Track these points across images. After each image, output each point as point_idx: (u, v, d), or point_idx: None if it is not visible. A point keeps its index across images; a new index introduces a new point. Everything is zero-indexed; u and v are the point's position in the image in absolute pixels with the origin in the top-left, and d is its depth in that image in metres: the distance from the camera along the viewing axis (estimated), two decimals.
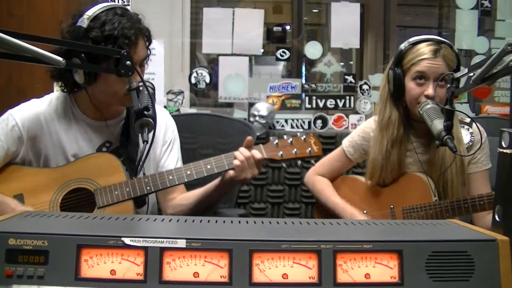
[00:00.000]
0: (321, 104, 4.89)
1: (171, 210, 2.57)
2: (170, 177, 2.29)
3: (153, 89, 2.25)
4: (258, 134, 4.22)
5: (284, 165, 2.49)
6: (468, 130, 2.66)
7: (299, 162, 2.46)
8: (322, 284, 1.22)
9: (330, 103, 4.89)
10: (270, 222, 1.47)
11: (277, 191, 4.71)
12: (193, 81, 4.78)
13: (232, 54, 4.81)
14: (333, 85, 4.99)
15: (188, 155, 2.75)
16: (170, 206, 2.58)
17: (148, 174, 2.29)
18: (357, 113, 4.89)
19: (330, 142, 4.55)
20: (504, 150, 1.42)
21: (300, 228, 1.43)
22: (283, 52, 4.94)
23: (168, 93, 4.73)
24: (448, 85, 2.08)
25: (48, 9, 4.50)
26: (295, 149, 2.38)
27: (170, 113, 2.72)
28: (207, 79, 4.80)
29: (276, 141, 2.39)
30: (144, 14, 2.38)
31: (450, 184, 2.57)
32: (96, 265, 1.22)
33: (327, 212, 2.94)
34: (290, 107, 4.88)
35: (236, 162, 2.30)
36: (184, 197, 2.57)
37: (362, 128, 2.89)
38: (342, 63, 5.43)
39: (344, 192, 2.88)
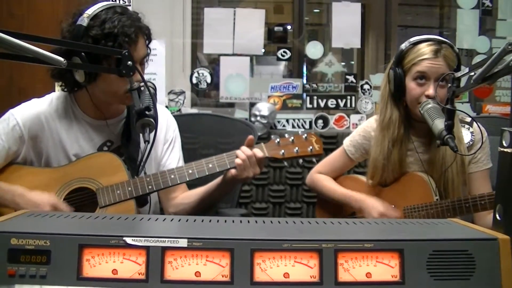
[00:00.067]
0: (322, 104, 4.89)
1: (173, 209, 2.58)
2: (172, 176, 2.30)
3: (154, 89, 2.25)
4: (259, 134, 4.22)
5: (285, 163, 2.49)
6: (469, 129, 2.66)
7: (301, 161, 2.46)
8: (323, 283, 1.22)
9: (331, 103, 4.89)
10: (271, 222, 1.48)
11: (278, 191, 4.71)
12: (194, 81, 4.78)
13: (233, 54, 4.80)
14: (334, 85, 4.98)
15: (189, 155, 2.75)
16: (172, 205, 2.58)
17: (149, 173, 2.30)
18: (358, 113, 4.89)
19: (331, 142, 4.55)
20: (505, 149, 1.43)
21: (301, 228, 1.43)
22: (284, 52, 4.93)
23: (169, 93, 4.73)
24: (449, 85, 2.08)
25: (48, 9, 4.50)
26: (297, 148, 2.38)
27: (171, 113, 2.72)
28: (208, 79, 4.80)
29: (278, 139, 2.39)
30: (145, 14, 2.39)
31: (451, 183, 2.57)
32: (98, 264, 1.22)
33: (329, 212, 2.95)
34: (291, 107, 4.87)
35: (238, 160, 2.31)
36: (186, 196, 2.58)
37: (363, 127, 2.89)
38: (343, 63, 5.43)
39: None
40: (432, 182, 2.56)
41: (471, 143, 2.64)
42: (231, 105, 4.94)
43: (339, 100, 4.89)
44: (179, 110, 4.70)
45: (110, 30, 2.19)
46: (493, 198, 2.28)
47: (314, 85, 4.95)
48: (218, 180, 2.45)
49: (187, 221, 1.47)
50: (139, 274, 1.21)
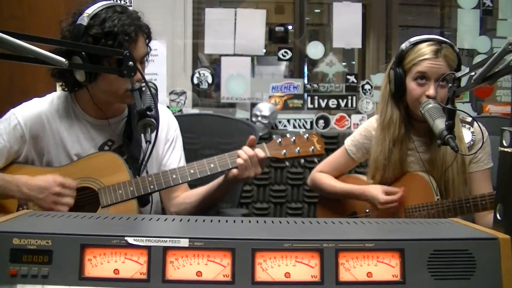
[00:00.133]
0: (323, 104, 4.89)
1: (174, 208, 2.58)
2: (174, 176, 2.30)
3: (156, 89, 2.25)
4: (260, 134, 4.22)
5: (287, 163, 2.50)
6: (470, 129, 2.66)
7: (302, 161, 2.46)
8: (324, 283, 1.23)
9: (332, 103, 4.89)
10: (272, 222, 1.48)
11: (279, 191, 4.71)
12: (195, 81, 4.79)
13: (234, 55, 4.80)
14: (335, 85, 4.99)
15: (190, 155, 2.75)
16: (173, 205, 2.59)
17: (151, 173, 2.30)
18: (359, 113, 4.89)
19: (332, 142, 4.56)
20: (505, 149, 1.43)
21: (302, 227, 1.43)
22: (285, 52, 4.93)
23: (170, 93, 4.73)
24: (450, 85, 2.09)
25: (49, 10, 4.51)
26: (298, 148, 2.38)
27: (172, 114, 2.72)
28: (210, 80, 4.80)
29: (279, 140, 2.39)
30: (146, 15, 2.39)
31: (451, 183, 2.57)
32: (99, 264, 1.22)
33: (329, 212, 2.95)
34: (292, 107, 4.88)
35: (240, 160, 2.31)
36: (187, 196, 2.58)
37: (364, 127, 2.90)
38: (344, 63, 5.43)
39: None
40: (433, 181, 2.57)
41: (471, 143, 2.64)
42: (232, 105, 4.94)
43: (340, 100, 4.90)
44: (180, 110, 4.70)
45: (110, 29, 2.20)
46: (493, 198, 2.28)
47: (315, 85, 4.95)
48: (219, 180, 2.46)
49: (188, 221, 1.48)
50: (141, 274, 1.22)
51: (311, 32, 5.83)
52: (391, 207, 2.61)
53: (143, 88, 2.17)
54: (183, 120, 2.83)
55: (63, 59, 1.74)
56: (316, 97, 4.89)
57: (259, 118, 4.62)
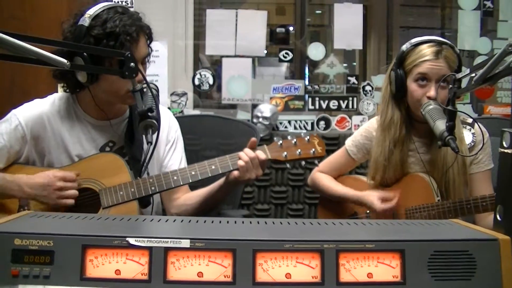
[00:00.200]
0: (324, 105, 4.89)
1: (175, 210, 2.58)
2: (175, 178, 2.30)
3: (157, 90, 2.26)
4: (261, 135, 4.23)
5: (288, 165, 2.50)
6: (470, 130, 2.66)
7: (303, 162, 2.47)
8: (325, 284, 1.23)
9: (333, 104, 4.89)
10: (273, 222, 1.48)
11: (280, 192, 4.71)
12: (196, 82, 4.79)
13: (235, 56, 4.80)
14: (336, 86, 4.99)
15: (191, 156, 2.75)
16: (174, 206, 2.59)
17: (152, 175, 2.31)
18: (360, 114, 4.89)
19: (333, 143, 4.56)
20: (505, 150, 1.43)
21: (303, 228, 1.44)
22: (286, 53, 4.93)
23: (171, 94, 4.73)
24: (450, 86, 2.09)
25: (51, 11, 4.50)
26: (299, 150, 2.39)
27: (173, 115, 2.73)
28: (211, 81, 4.80)
29: (280, 141, 2.40)
30: (147, 16, 2.40)
31: (452, 184, 2.57)
32: (101, 265, 1.23)
33: (330, 213, 2.95)
34: (293, 108, 4.88)
35: (241, 162, 2.32)
36: (188, 197, 2.58)
37: (364, 127, 2.90)
38: (345, 64, 5.43)
39: None
40: (433, 183, 2.57)
41: (472, 144, 2.65)
42: (233, 106, 4.94)
43: (341, 102, 4.90)
44: (181, 111, 4.70)
45: (112, 29, 2.21)
46: (494, 199, 2.28)
47: (316, 87, 4.95)
48: (220, 181, 2.46)
49: (189, 221, 1.48)
50: (142, 275, 1.22)
51: (312, 33, 5.82)
52: (388, 213, 2.62)
53: (145, 89, 2.18)
54: (184, 121, 2.84)
55: (64, 60, 1.74)
56: (317, 98, 4.89)
57: (260, 119, 4.63)
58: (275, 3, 5.95)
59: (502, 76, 1.71)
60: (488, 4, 4.94)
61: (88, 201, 2.30)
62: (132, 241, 1.23)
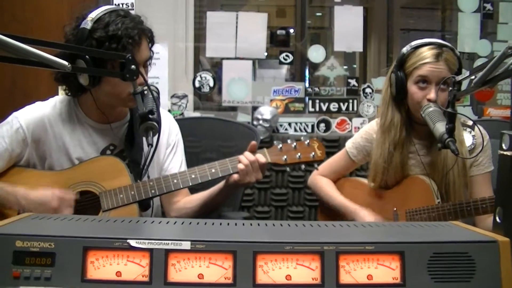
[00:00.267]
0: (324, 108, 4.89)
1: (175, 213, 2.59)
2: (175, 181, 2.31)
3: (158, 93, 2.26)
4: (261, 137, 4.22)
5: (287, 169, 2.50)
6: (471, 133, 2.67)
7: (303, 166, 2.47)
8: (325, 285, 1.24)
9: (333, 106, 4.89)
10: (273, 224, 1.49)
11: (280, 195, 4.71)
12: (197, 85, 4.79)
13: (236, 58, 4.80)
14: (336, 89, 4.98)
15: (191, 158, 2.76)
16: (174, 209, 2.59)
17: (152, 178, 2.31)
18: (360, 116, 4.89)
19: (333, 145, 4.56)
20: (505, 152, 1.44)
21: (303, 230, 1.44)
22: (286, 55, 4.93)
23: (172, 97, 4.73)
24: (450, 88, 2.10)
25: (52, 13, 4.51)
26: (299, 154, 2.39)
27: (174, 117, 2.73)
28: (211, 83, 4.80)
29: (280, 145, 2.40)
30: (148, 18, 2.40)
31: (452, 186, 2.58)
32: (102, 266, 1.23)
33: (330, 215, 2.95)
34: (293, 111, 4.87)
35: (241, 166, 2.32)
36: (188, 200, 2.59)
37: (365, 130, 2.91)
38: (345, 67, 5.43)
39: (347, 194, 2.88)
40: (433, 185, 2.57)
41: (472, 146, 2.65)
42: (234, 108, 4.95)
43: (341, 104, 4.89)
44: (182, 113, 4.70)
45: (114, 32, 2.21)
46: (494, 201, 2.29)
47: (316, 89, 4.95)
48: (220, 184, 2.47)
49: (190, 223, 1.48)
50: (143, 276, 1.23)
51: (312, 36, 5.82)
52: None
53: (145, 92, 2.18)
54: (184, 124, 2.84)
55: (66, 63, 1.75)
56: (317, 101, 4.89)
57: (261, 122, 4.63)
58: (276, 5, 5.95)
59: (501, 78, 1.71)
60: (488, 6, 4.94)
61: (88, 204, 2.30)
62: (133, 243, 1.23)
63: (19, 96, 4.46)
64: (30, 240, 1.23)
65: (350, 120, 4.87)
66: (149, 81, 2.28)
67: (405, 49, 2.63)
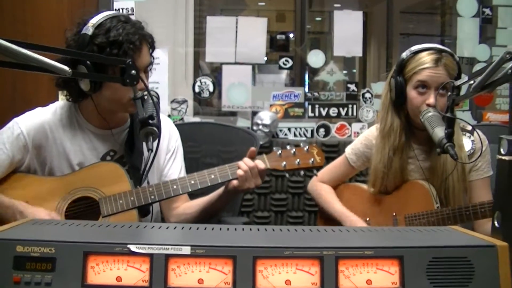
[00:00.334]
0: (323, 113, 4.89)
1: (174, 218, 2.59)
2: (174, 187, 2.31)
3: (158, 98, 2.27)
4: (261, 142, 4.23)
5: (287, 175, 2.51)
6: (470, 137, 2.67)
7: (302, 172, 2.47)
8: None
9: (333, 111, 4.89)
10: (273, 230, 1.49)
11: (280, 200, 4.72)
12: (196, 90, 4.79)
13: (235, 63, 4.81)
14: (335, 94, 4.99)
15: (191, 163, 2.76)
16: (173, 215, 2.60)
17: (152, 183, 2.31)
18: (359, 121, 4.89)
19: (332, 150, 4.58)
20: (503, 157, 1.44)
21: (302, 235, 1.45)
22: (286, 60, 4.94)
23: (172, 102, 4.74)
24: (449, 93, 2.10)
25: (53, 19, 4.52)
26: (298, 160, 2.39)
27: (173, 122, 2.74)
28: (211, 88, 4.81)
29: (279, 151, 2.41)
30: (148, 23, 2.41)
31: (451, 191, 2.58)
32: (102, 272, 1.24)
33: (330, 221, 2.95)
34: (293, 116, 4.88)
35: (240, 172, 2.33)
36: (188, 206, 2.59)
37: (364, 135, 2.91)
38: (345, 71, 5.44)
39: (346, 199, 2.89)
40: (433, 190, 2.58)
41: (471, 151, 2.65)
42: (233, 113, 4.95)
43: (341, 109, 4.90)
44: (182, 118, 4.71)
45: (115, 37, 2.22)
46: (492, 206, 2.29)
47: (316, 94, 4.96)
48: (220, 190, 2.47)
49: (190, 229, 1.49)
50: (143, 281, 1.23)
51: (312, 40, 5.82)
52: None
53: (145, 97, 2.19)
54: (184, 129, 2.84)
55: (66, 68, 1.75)
56: (316, 106, 4.90)
57: (260, 127, 4.63)
58: (275, 10, 5.97)
59: (500, 83, 1.72)
60: (487, 11, 4.95)
61: (88, 209, 2.30)
62: (133, 248, 1.24)
63: (19, 101, 4.46)
64: (30, 245, 1.24)
65: (350, 125, 4.88)
66: (149, 86, 2.29)
67: (404, 54, 2.64)
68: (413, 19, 6.67)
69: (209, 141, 3.19)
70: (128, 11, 4.49)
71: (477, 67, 4.88)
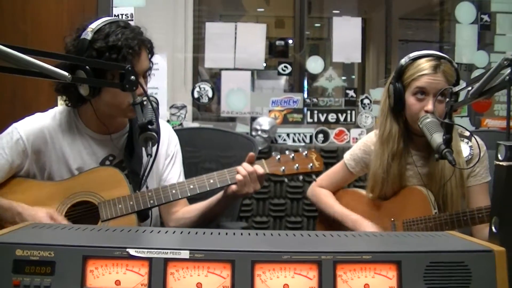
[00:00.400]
0: (322, 118, 4.90)
1: (173, 223, 2.59)
2: (174, 191, 2.31)
3: (157, 103, 2.27)
4: (260, 148, 4.24)
5: (286, 179, 2.51)
6: (468, 143, 2.68)
7: (301, 177, 2.48)
8: None
9: (332, 117, 4.90)
10: (271, 234, 1.49)
11: (279, 205, 4.72)
12: (195, 95, 4.80)
13: (235, 69, 4.81)
14: (334, 100, 5.00)
15: (190, 168, 2.76)
16: (172, 220, 2.60)
17: (151, 188, 2.32)
18: (358, 127, 4.90)
19: (331, 156, 4.58)
20: (500, 163, 1.45)
21: (301, 240, 1.45)
22: (285, 66, 4.95)
23: (171, 107, 4.75)
24: (447, 99, 2.11)
25: (52, 25, 4.54)
26: (297, 165, 2.40)
27: (173, 128, 2.74)
28: (210, 94, 4.81)
29: (278, 156, 2.41)
30: (147, 29, 2.42)
31: (449, 196, 2.59)
32: (101, 275, 1.24)
33: (330, 225, 2.96)
34: (292, 122, 4.89)
35: (239, 176, 2.33)
36: (187, 211, 2.59)
37: (363, 141, 2.92)
38: (343, 77, 5.45)
39: (345, 204, 2.88)
40: (431, 195, 2.58)
41: (470, 157, 2.66)
42: (232, 119, 4.96)
43: (340, 115, 4.91)
44: (181, 124, 4.72)
45: (114, 42, 2.23)
46: (490, 211, 2.30)
47: (315, 100, 4.97)
48: (218, 195, 2.47)
49: (189, 233, 1.49)
50: (142, 285, 1.23)
51: (311, 46, 5.85)
52: None
53: (145, 102, 2.20)
54: (183, 134, 2.85)
55: (66, 73, 1.76)
56: (315, 112, 4.91)
57: (259, 132, 4.64)
58: (274, 16, 5.99)
59: (497, 89, 1.73)
60: (486, 18, 4.96)
61: (87, 214, 2.30)
62: (132, 252, 1.24)
63: (19, 107, 4.47)
64: (30, 249, 1.24)
65: (348, 130, 4.89)
66: (148, 91, 2.30)
67: (403, 61, 2.64)
68: (412, 25, 6.69)
69: (208, 147, 3.19)
70: (128, 17, 4.50)
71: (476, 73, 4.89)
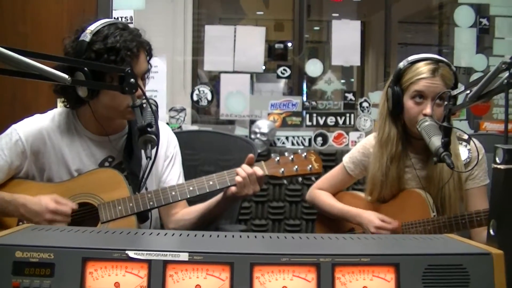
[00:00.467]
0: (321, 122, 4.90)
1: (173, 225, 2.59)
2: (173, 193, 2.31)
3: (156, 106, 2.28)
4: (259, 151, 4.23)
5: (285, 181, 2.52)
6: (466, 146, 2.68)
7: (300, 179, 2.48)
8: None
9: (331, 120, 4.91)
10: (270, 237, 1.50)
11: (278, 208, 4.72)
12: (195, 98, 4.80)
13: (234, 72, 4.82)
14: (333, 103, 5.01)
15: (189, 171, 2.77)
16: (172, 221, 2.60)
17: (151, 190, 2.32)
18: (357, 130, 4.91)
19: (330, 159, 4.58)
20: (498, 166, 1.45)
21: (299, 242, 1.45)
22: (284, 69, 4.96)
23: (170, 110, 4.75)
24: (446, 103, 2.11)
25: (52, 27, 4.54)
26: (296, 166, 2.40)
27: (172, 130, 2.74)
28: (209, 97, 4.82)
29: (277, 158, 2.42)
30: (146, 32, 2.42)
31: (448, 199, 2.59)
32: (100, 277, 1.24)
33: (328, 229, 2.96)
34: (290, 124, 4.89)
35: (238, 178, 2.33)
36: (186, 212, 2.59)
37: (362, 144, 2.92)
38: (343, 81, 5.45)
39: None
40: (429, 198, 2.59)
41: (468, 160, 2.66)
42: (231, 122, 4.96)
43: (338, 118, 4.91)
44: (180, 127, 4.72)
45: (113, 44, 2.23)
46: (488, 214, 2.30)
47: (314, 103, 4.97)
48: (218, 197, 2.47)
49: (188, 235, 1.49)
50: (141, 287, 1.24)
51: (310, 50, 5.86)
52: (383, 233, 2.62)
53: (144, 105, 2.20)
54: (182, 137, 2.85)
55: (66, 76, 1.76)
56: (314, 115, 4.91)
57: (258, 135, 4.64)
58: (274, 19, 5.99)
59: (496, 93, 1.74)
60: (484, 21, 4.97)
61: (87, 215, 2.30)
62: (131, 254, 1.24)
63: (19, 108, 4.47)
64: (29, 250, 1.24)
65: (347, 134, 4.89)
66: (148, 94, 2.29)
67: (401, 64, 2.65)
68: (411, 29, 6.70)
69: (207, 149, 3.19)
70: (127, 19, 4.50)
71: (474, 77, 4.90)
